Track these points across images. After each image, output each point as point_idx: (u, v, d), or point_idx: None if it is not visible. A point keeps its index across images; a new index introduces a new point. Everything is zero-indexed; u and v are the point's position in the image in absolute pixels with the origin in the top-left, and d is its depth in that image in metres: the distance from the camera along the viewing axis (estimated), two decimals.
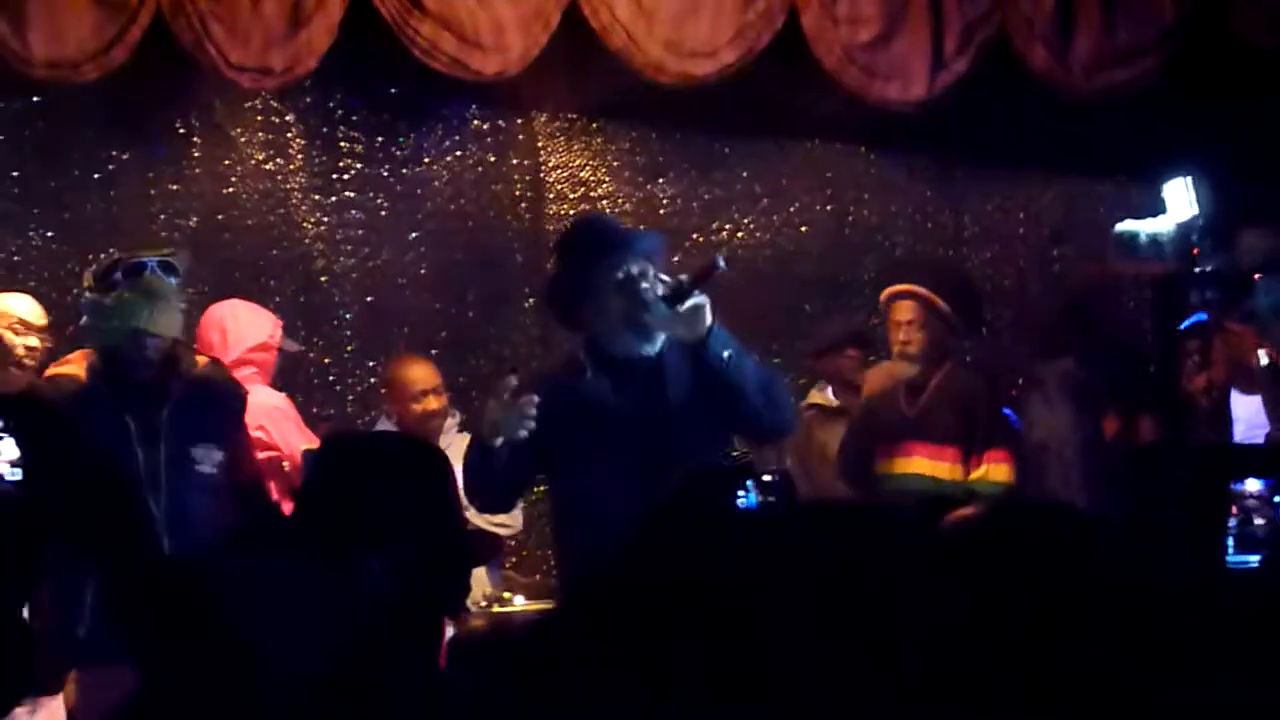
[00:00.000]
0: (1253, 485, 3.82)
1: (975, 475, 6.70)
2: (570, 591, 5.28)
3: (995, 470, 6.73)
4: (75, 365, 5.59)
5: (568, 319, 5.35)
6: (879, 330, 7.41)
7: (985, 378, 7.17)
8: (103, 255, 7.72)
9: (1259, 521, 3.77)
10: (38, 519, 2.83)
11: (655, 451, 4.94)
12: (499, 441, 5.03)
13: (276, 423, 6.56)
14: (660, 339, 5.13)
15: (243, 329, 6.67)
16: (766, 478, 4.06)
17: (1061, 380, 7.29)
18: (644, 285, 5.06)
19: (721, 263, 5.14)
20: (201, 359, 5.79)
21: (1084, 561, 2.15)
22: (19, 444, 2.86)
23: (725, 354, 5.04)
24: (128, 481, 2.72)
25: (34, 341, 6.51)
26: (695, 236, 8.47)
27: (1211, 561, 3.68)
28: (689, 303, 5.02)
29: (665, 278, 5.11)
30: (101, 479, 2.70)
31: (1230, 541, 3.75)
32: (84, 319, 5.65)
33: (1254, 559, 3.71)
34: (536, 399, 5.01)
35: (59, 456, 2.73)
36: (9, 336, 6.50)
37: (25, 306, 6.63)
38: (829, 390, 7.61)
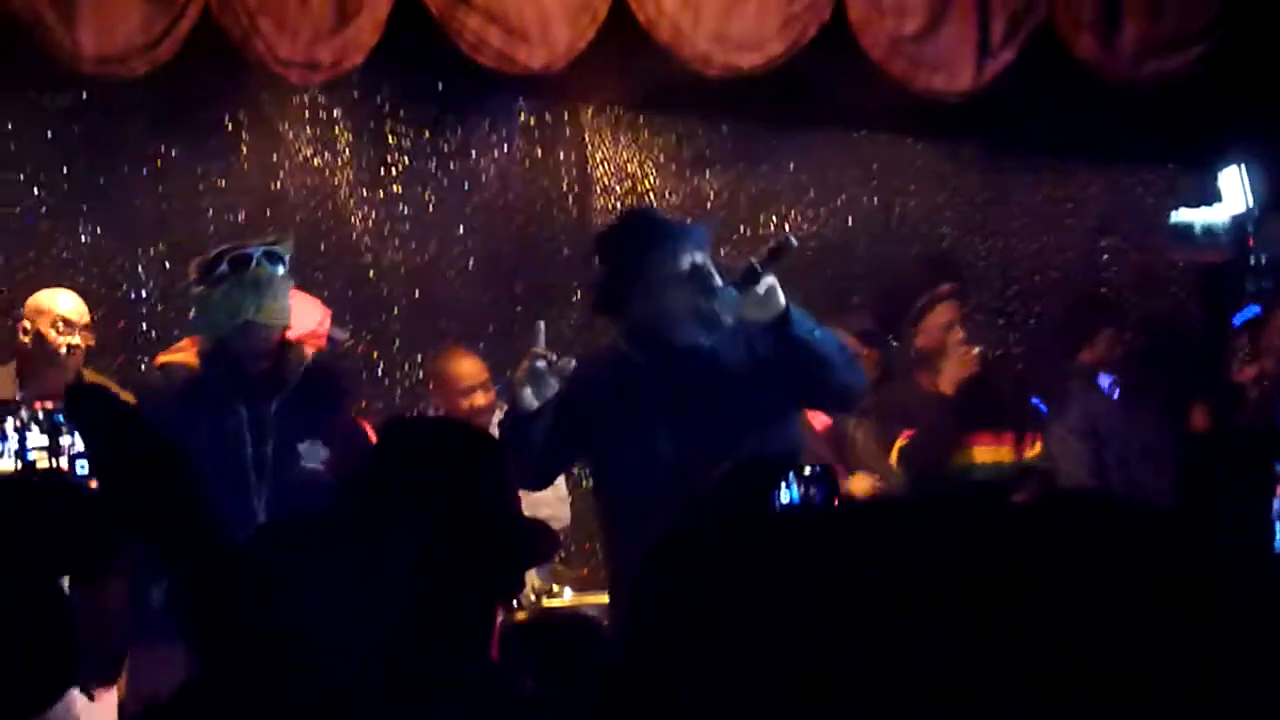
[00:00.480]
0: None
1: (1030, 454, 6.82)
2: (616, 596, 5.29)
3: (1041, 448, 6.86)
4: (187, 353, 5.54)
5: (615, 311, 5.33)
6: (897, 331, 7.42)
7: (1017, 365, 7.25)
8: (152, 251, 7.89)
9: None
10: (106, 512, 2.84)
11: (706, 442, 4.94)
12: (531, 399, 5.04)
13: None
14: (717, 329, 5.12)
15: (291, 317, 6.68)
16: (808, 471, 4.05)
17: (1103, 372, 7.31)
18: (709, 273, 5.07)
19: (793, 241, 5.16)
20: (312, 345, 5.75)
21: (1148, 552, 2.13)
22: (84, 436, 2.87)
23: (810, 328, 5.05)
24: (189, 473, 2.71)
25: (76, 340, 6.52)
26: (742, 229, 8.46)
27: (1259, 547, 3.65)
28: (763, 283, 5.02)
29: (729, 265, 5.12)
30: (164, 470, 2.70)
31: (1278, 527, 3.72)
32: (192, 312, 5.62)
33: None
34: (573, 361, 5.05)
35: (122, 447, 2.74)
36: (50, 334, 6.51)
37: (68, 304, 6.63)
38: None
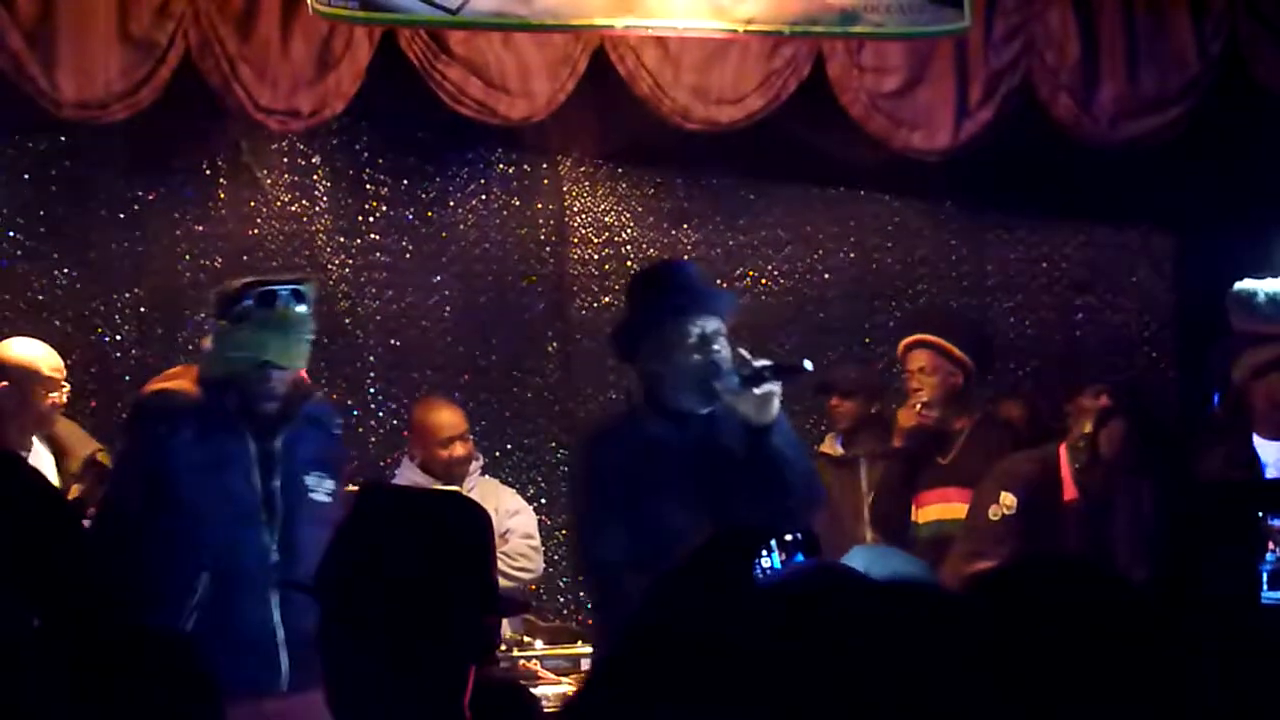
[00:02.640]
0: None
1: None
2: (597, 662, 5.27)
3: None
4: (183, 380, 5.38)
5: (628, 358, 5.33)
6: (892, 379, 7.43)
7: (1013, 426, 7.19)
8: (128, 295, 7.87)
9: None
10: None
11: (700, 503, 4.94)
12: None
13: None
14: (714, 402, 5.13)
15: None
16: (789, 538, 4.04)
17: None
18: (717, 347, 5.07)
19: (808, 366, 5.17)
20: (308, 382, 5.70)
21: (1111, 617, 2.13)
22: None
23: (783, 449, 5.06)
24: (80, 540, 2.68)
25: (58, 398, 6.47)
26: (719, 282, 8.47)
27: (1245, 599, 3.64)
28: (764, 388, 5.04)
29: (746, 354, 5.11)
30: (55, 538, 2.68)
31: (1265, 578, 3.71)
32: (209, 344, 5.38)
33: None
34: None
35: (17, 513, 2.72)
36: (33, 396, 6.43)
37: (49, 360, 6.53)
38: (838, 440, 7.59)
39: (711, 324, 5.11)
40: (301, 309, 5.29)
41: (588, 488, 5.22)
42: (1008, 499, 6.35)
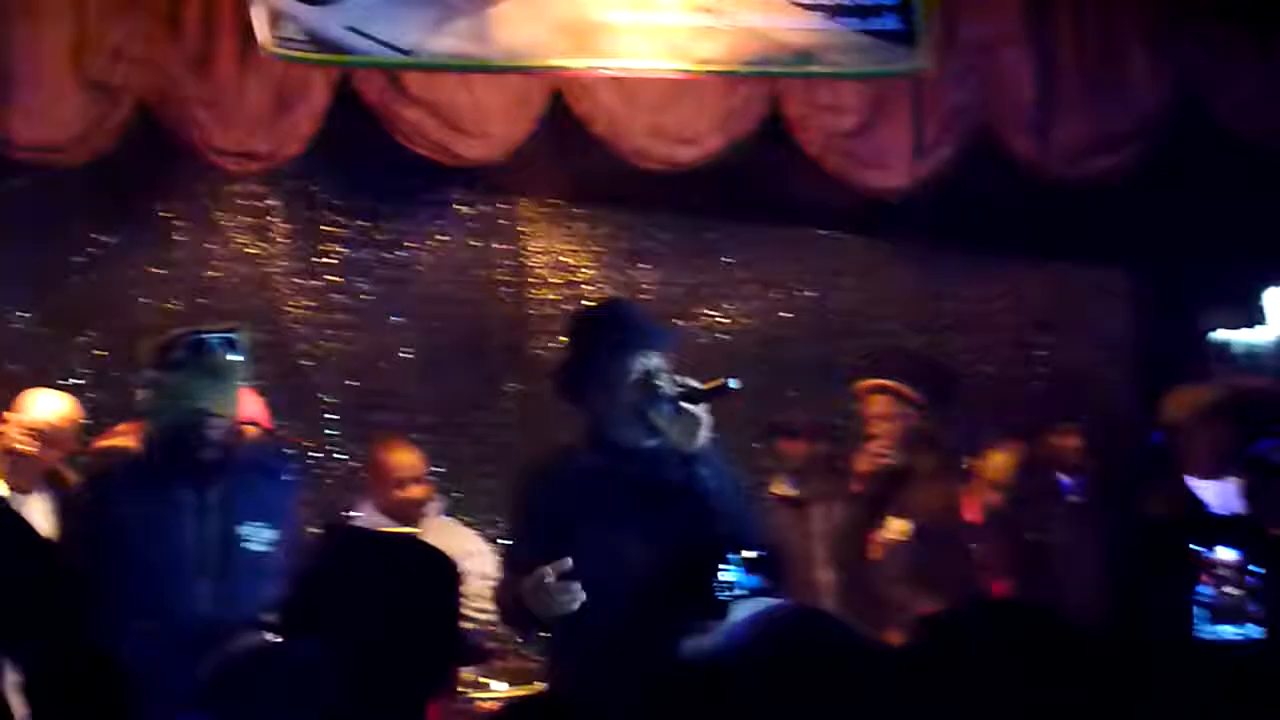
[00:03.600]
0: (1225, 554, 3.76)
1: None
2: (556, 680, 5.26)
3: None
4: (126, 437, 5.49)
5: (572, 398, 5.34)
6: (851, 419, 7.43)
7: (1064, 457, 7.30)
8: (87, 337, 7.83)
9: (1231, 591, 3.71)
10: None
11: (640, 536, 4.95)
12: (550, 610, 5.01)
13: None
14: (656, 436, 5.14)
15: None
16: (749, 554, 4.06)
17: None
18: (659, 383, 5.09)
19: (732, 384, 5.18)
20: (251, 430, 5.69)
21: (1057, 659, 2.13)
22: None
23: (705, 474, 5.06)
24: (57, 572, 2.71)
25: (45, 453, 6.53)
26: (678, 321, 8.47)
27: (1180, 631, 3.63)
28: (691, 413, 5.05)
29: (677, 378, 5.12)
30: (30, 571, 2.70)
31: (1203, 612, 3.70)
32: (142, 396, 5.46)
33: (1228, 630, 3.66)
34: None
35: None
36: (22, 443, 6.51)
37: (61, 410, 6.63)
38: (789, 482, 7.57)
39: (653, 360, 5.12)
40: (234, 356, 5.34)
41: (512, 528, 5.26)
42: (901, 525, 6.47)
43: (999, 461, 7.26)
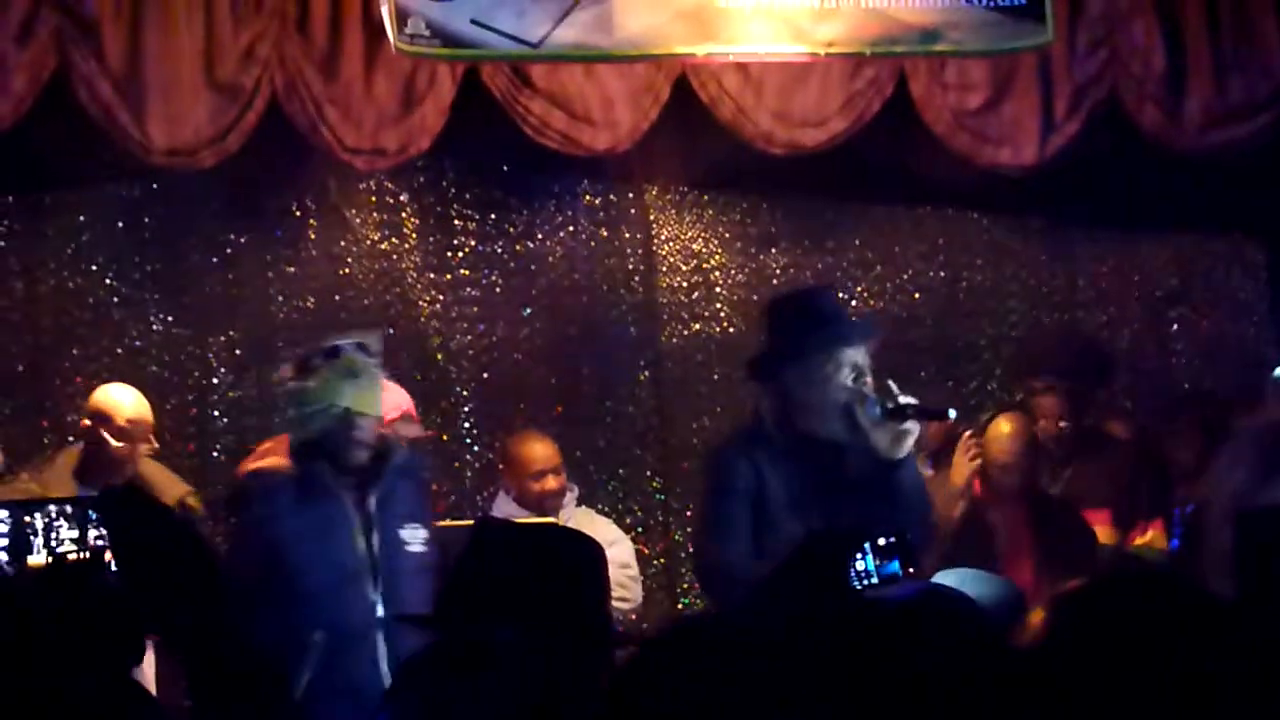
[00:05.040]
0: None
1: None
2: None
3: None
4: (275, 455, 5.56)
5: (768, 382, 5.35)
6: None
7: (1117, 443, 7.22)
8: (222, 338, 7.94)
9: None
10: (134, 611, 2.88)
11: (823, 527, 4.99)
12: None
13: None
14: (856, 432, 5.16)
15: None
16: (882, 541, 4.07)
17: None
18: (866, 379, 5.11)
19: (952, 414, 5.21)
20: (403, 423, 5.80)
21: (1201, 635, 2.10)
22: (112, 537, 2.91)
23: (908, 486, 5.11)
24: (218, 577, 2.76)
25: (130, 452, 6.60)
26: None
27: None
28: (904, 425, 5.07)
29: (894, 387, 5.16)
30: (190, 576, 2.74)
31: None
32: (289, 411, 5.60)
33: None
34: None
35: (150, 552, 2.78)
36: (111, 441, 6.59)
37: (132, 408, 6.69)
38: (927, 463, 7.56)
39: (861, 355, 5.14)
40: (367, 359, 5.43)
41: (712, 496, 5.29)
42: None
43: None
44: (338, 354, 5.46)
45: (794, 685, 2.01)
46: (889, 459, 5.12)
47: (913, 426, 5.11)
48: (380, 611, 5.39)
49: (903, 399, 5.14)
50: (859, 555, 4.07)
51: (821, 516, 5.01)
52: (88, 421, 6.68)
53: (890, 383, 5.19)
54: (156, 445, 6.79)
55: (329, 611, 5.26)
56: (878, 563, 4.12)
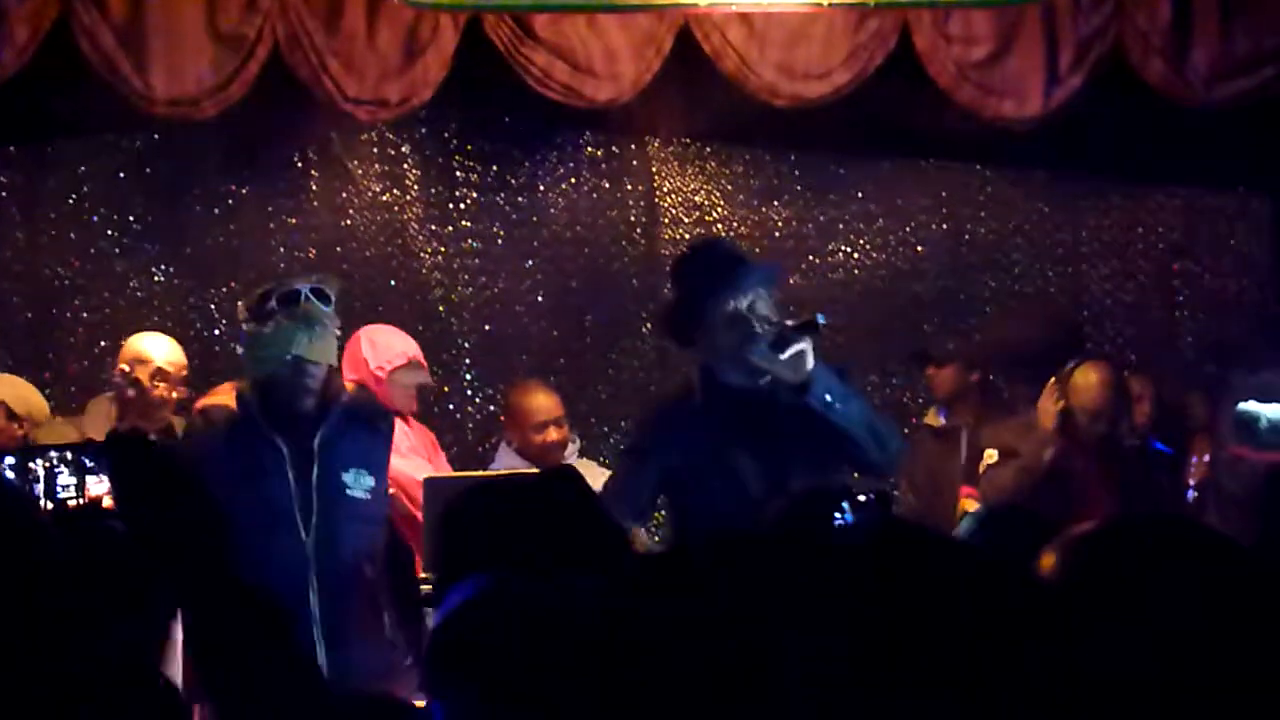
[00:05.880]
0: None
1: None
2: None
3: None
4: (225, 395, 5.57)
5: (681, 339, 5.38)
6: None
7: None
8: (224, 289, 7.94)
9: None
10: (143, 556, 2.88)
11: (760, 481, 5.00)
12: None
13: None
14: (756, 374, 5.15)
15: (376, 352, 6.69)
16: (861, 498, 4.07)
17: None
18: (753, 321, 5.07)
19: (821, 319, 5.16)
20: (349, 384, 5.79)
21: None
22: (114, 483, 2.91)
23: (826, 397, 5.05)
24: (218, 523, 2.75)
25: (172, 393, 6.56)
26: (811, 258, 8.46)
27: None
28: (791, 349, 5.04)
29: (770, 319, 5.10)
30: (191, 520, 2.74)
31: None
32: (242, 351, 5.63)
33: None
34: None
35: (155, 495, 2.78)
36: (148, 384, 6.55)
37: (166, 354, 6.65)
38: (941, 412, 7.59)
39: (745, 299, 5.11)
40: (324, 306, 5.42)
41: (621, 454, 5.42)
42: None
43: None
44: (295, 300, 5.44)
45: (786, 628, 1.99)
46: (799, 384, 5.09)
47: (803, 345, 5.06)
48: (311, 559, 5.36)
49: (777, 323, 5.11)
50: (838, 513, 4.07)
51: (757, 465, 5.02)
52: (125, 368, 6.64)
53: (770, 315, 5.14)
54: (184, 392, 6.78)
55: (257, 552, 5.22)
56: (857, 519, 4.13)
